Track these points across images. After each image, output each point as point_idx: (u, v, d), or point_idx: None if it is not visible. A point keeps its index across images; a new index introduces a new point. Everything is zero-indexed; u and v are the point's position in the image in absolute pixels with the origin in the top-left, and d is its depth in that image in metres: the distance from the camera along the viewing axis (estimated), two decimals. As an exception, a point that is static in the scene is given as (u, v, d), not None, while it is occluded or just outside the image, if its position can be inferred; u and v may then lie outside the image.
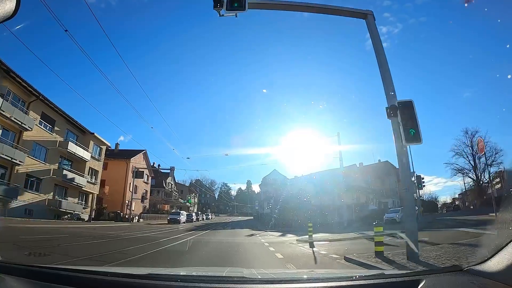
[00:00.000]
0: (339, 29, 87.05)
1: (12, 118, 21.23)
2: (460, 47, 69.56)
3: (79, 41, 28.00)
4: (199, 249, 9.55)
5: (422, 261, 5.75)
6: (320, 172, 44.38)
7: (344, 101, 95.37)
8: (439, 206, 55.79)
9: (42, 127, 25.27)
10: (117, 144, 46.36)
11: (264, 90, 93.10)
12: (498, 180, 41.32)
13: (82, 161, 29.70)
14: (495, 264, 1.50)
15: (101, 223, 26.35)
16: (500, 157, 40.90)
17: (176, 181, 73.14)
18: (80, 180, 28.69)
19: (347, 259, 7.08)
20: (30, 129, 23.17)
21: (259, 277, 2.22)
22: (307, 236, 13.36)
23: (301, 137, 66.24)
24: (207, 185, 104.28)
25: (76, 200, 29.40)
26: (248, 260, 7.25)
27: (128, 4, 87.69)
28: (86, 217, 29.31)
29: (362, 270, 5.15)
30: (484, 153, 22.39)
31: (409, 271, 2.05)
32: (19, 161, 22.12)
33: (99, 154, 33.94)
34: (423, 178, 22.46)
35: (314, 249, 9.66)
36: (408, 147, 7.48)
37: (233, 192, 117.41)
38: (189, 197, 70.30)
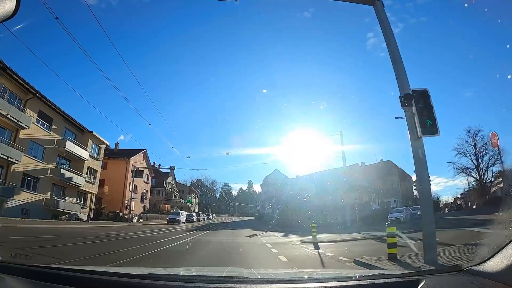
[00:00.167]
0: (339, 29, 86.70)
1: (8, 116, 20.75)
2: (460, 47, 69.28)
3: (79, 41, 27.51)
4: (198, 251, 9.03)
5: (441, 265, 5.22)
6: (322, 171, 43.93)
7: (345, 101, 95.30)
8: (440, 206, 55.25)
9: (39, 125, 24.78)
10: (116, 144, 45.97)
11: (264, 90, 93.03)
12: (500, 179, 40.90)
13: (81, 160, 29.19)
14: (495, 264, 1.50)
15: (99, 223, 25.82)
16: (503, 156, 40.24)
17: (177, 181, 72.76)
18: (78, 179, 28.18)
19: (357, 262, 6.52)
20: (26, 127, 22.69)
21: (259, 277, 2.20)
22: (311, 237, 12.88)
23: (302, 137, 65.60)
24: (208, 185, 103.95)
25: (74, 200, 28.90)
26: (249, 264, 6.72)
27: (129, 4, 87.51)
28: (84, 217, 28.81)
29: (363, 270, 5.13)
30: (498, 148, 21.70)
31: (409, 271, 1.99)
32: (16, 160, 21.65)
33: (98, 153, 33.42)
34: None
35: (319, 251, 9.11)
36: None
37: (234, 192, 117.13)
38: (190, 197, 69.82)
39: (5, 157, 20.65)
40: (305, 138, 66.97)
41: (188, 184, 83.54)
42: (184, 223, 33.83)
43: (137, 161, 41.80)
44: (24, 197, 23.08)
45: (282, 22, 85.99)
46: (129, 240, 11.98)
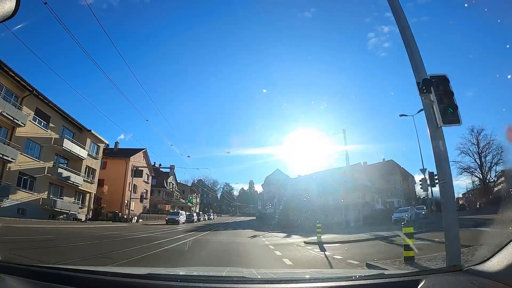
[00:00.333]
0: (340, 29, 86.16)
1: (4, 113, 20.23)
2: (460, 46, 68.58)
3: (80, 41, 27.09)
4: (197, 253, 8.47)
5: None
6: (324, 171, 43.45)
7: (346, 100, 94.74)
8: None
9: (36, 123, 24.26)
10: (116, 143, 45.46)
11: (264, 90, 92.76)
12: (503, 179, 40.45)
13: (79, 159, 28.67)
14: (495, 264, 1.49)
15: (97, 224, 25.28)
16: (504, 155, 39.98)
17: (178, 181, 72.22)
18: (76, 178, 27.64)
19: (370, 266, 5.87)
20: (23, 125, 22.18)
21: (259, 277, 2.18)
22: (315, 238, 12.26)
23: (303, 137, 64.93)
24: (210, 185, 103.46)
25: (72, 199, 28.36)
26: (251, 268, 6.09)
27: (129, 4, 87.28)
28: (83, 217, 28.28)
29: (363, 270, 5.07)
30: None
31: (408, 271, 1.96)
32: (11, 158, 21.12)
33: (97, 152, 32.88)
34: (435, 175, 20.98)
35: (326, 253, 8.49)
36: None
37: (236, 193, 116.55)
38: (190, 197, 69.24)
39: (1, 156, 20.14)
40: (307, 138, 66.19)
41: (189, 184, 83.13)
42: (183, 223, 33.16)
43: (137, 160, 41.26)
44: (20, 196, 22.56)
45: (283, 22, 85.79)
46: (123, 241, 11.39)
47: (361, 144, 57.84)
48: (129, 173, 37.53)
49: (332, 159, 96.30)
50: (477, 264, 1.63)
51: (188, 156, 56.11)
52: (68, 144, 26.53)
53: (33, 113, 23.77)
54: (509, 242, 1.47)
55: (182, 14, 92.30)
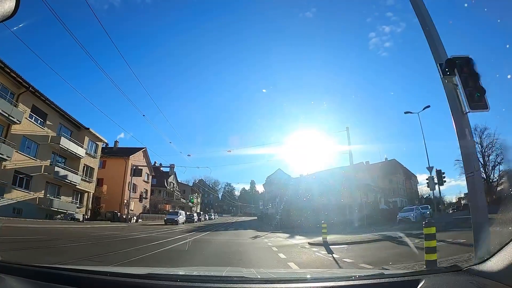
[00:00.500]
0: (341, 29, 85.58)
1: (-2, 110, 19.69)
2: (460, 46, 67.89)
3: (82, 42, 26.52)
4: (195, 255, 7.89)
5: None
6: (326, 170, 42.87)
7: (348, 100, 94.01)
8: (445, 205, 53.99)
9: (32, 120, 23.67)
10: (116, 142, 44.86)
11: (264, 90, 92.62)
12: (505, 178, 39.95)
13: (76, 157, 28.07)
14: (495, 264, 1.49)
15: (95, 224, 24.66)
16: (507, 154, 39.55)
17: (179, 181, 71.63)
18: (73, 177, 27.03)
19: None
20: (18, 122, 21.57)
21: (259, 276, 2.16)
22: (320, 238, 11.62)
23: (305, 136, 64.31)
24: (211, 185, 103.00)
25: (70, 199, 27.76)
26: (251, 268, 5.45)
27: (130, 4, 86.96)
28: (81, 217, 27.70)
29: (363, 270, 5.04)
30: None
31: (408, 271, 1.92)
32: (7, 156, 20.52)
33: (95, 151, 32.25)
34: (443, 173, 20.27)
35: (334, 255, 7.82)
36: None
37: (237, 193, 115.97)
38: (191, 197, 68.71)
39: (-5, 153, 19.59)
40: (308, 138, 65.44)
41: (190, 184, 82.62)
42: (183, 223, 32.38)
43: (136, 159, 40.67)
44: (16, 195, 21.99)
45: (284, 22, 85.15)
46: (115, 243, 10.75)
47: (362, 144, 57.44)
48: (129, 172, 36.92)
49: (334, 159, 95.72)
50: (477, 264, 1.63)
51: (188, 155, 55.02)
52: (65, 142, 25.95)
53: (29, 110, 23.19)
54: (509, 242, 1.46)
55: (183, 14, 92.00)
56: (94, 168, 31.78)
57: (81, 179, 28.67)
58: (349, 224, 23.50)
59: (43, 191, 24.68)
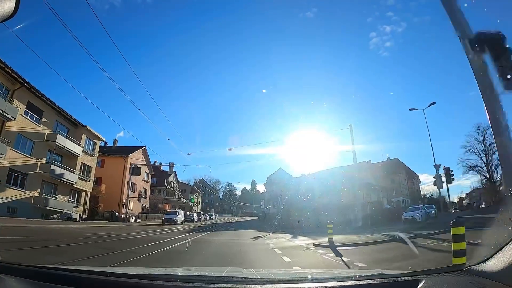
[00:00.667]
0: (342, 29, 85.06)
1: (-9, 106, 19.08)
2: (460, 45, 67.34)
3: (82, 41, 25.90)
4: (191, 258, 7.20)
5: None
6: (328, 169, 42.32)
7: (349, 99, 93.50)
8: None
9: (28, 117, 23.02)
10: (115, 141, 44.26)
11: (264, 90, 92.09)
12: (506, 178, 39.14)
13: (73, 156, 27.41)
14: (495, 264, 1.49)
15: (91, 223, 24.02)
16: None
17: (179, 181, 71.03)
18: (70, 176, 26.38)
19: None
20: (13, 119, 20.92)
21: (259, 277, 2.16)
22: (325, 239, 10.95)
23: (306, 136, 63.46)
24: (211, 185, 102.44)
25: (66, 198, 27.12)
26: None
27: (131, 4, 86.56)
28: (77, 217, 27.10)
29: (363, 270, 5.02)
30: None
31: (408, 271, 1.79)
32: (1, 154, 19.91)
33: (93, 149, 31.58)
34: (452, 171, 19.49)
35: (344, 258, 7.13)
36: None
37: (238, 192, 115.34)
38: (192, 197, 68.14)
39: (-12, 151, 18.98)
40: (309, 137, 64.81)
41: (191, 184, 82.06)
42: (182, 223, 31.58)
43: (136, 158, 40.03)
44: (10, 194, 21.37)
45: (284, 22, 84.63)
46: (107, 243, 10.09)
47: (363, 144, 56.64)
48: (128, 171, 36.30)
49: (334, 159, 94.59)
50: (477, 264, 1.61)
51: (188, 154, 54.52)
52: (62, 140, 25.31)
53: (25, 107, 22.55)
54: (509, 242, 1.46)
55: (183, 14, 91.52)
56: (91, 167, 31.12)
57: (78, 178, 28.02)
58: (352, 224, 22.87)
59: (38, 190, 24.06)
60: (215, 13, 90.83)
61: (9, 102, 20.81)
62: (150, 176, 49.12)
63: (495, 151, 42.01)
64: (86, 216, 29.25)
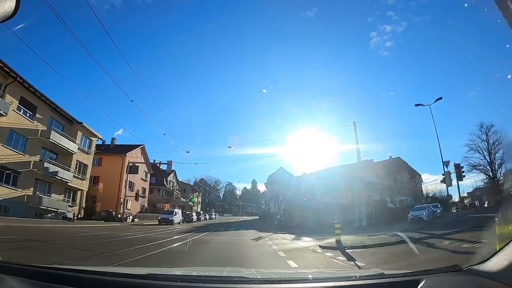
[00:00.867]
0: (342, 29, 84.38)
1: (-19, 101, 18.28)
2: (463, 45, 67.02)
3: (83, 42, 25.15)
4: (187, 261, 6.47)
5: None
6: (330, 168, 41.55)
7: (349, 99, 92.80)
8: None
9: (21, 113, 22.21)
10: (113, 139, 43.42)
11: (264, 90, 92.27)
12: (509, 177, 38.48)
13: (68, 153, 26.59)
14: (495, 264, 1.49)
15: (86, 223, 23.21)
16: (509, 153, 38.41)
17: (179, 180, 70.23)
18: (65, 174, 25.55)
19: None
20: (5, 114, 20.10)
21: (259, 277, 2.14)
22: (331, 240, 10.13)
23: (307, 135, 62.79)
24: (212, 185, 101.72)
25: (61, 197, 26.30)
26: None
27: (131, 4, 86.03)
28: (75, 216, 26.29)
29: (363, 270, 4.98)
30: None
31: (408, 271, 1.77)
32: (-9, 150, 19.18)
33: (89, 147, 30.74)
34: (462, 168, 18.66)
35: (357, 263, 6.27)
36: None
37: (238, 192, 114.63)
38: (191, 196, 67.30)
39: (-23, 147, 18.17)
40: (310, 136, 64.20)
41: (191, 184, 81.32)
42: (179, 223, 30.61)
43: (134, 157, 39.19)
44: (2, 192, 20.63)
45: (285, 22, 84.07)
46: (96, 245, 9.25)
47: (364, 143, 55.83)
48: (125, 170, 35.49)
49: (336, 158, 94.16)
50: (477, 264, 1.61)
51: (187, 152, 53.98)
52: (56, 137, 24.48)
53: (17, 102, 21.75)
54: (509, 242, 1.46)
55: (183, 14, 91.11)
56: (87, 165, 30.27)
57: (73, 176, 27.20)
58: (357, 223, 22.12)
59: (32, 188, 23.25)
60: (215, 13, 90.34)
61: (1, 97, 20.03)
62: (149, 175, 48.29)
63: (499, 149, 41.41)
64: (82, 216, 28.45)
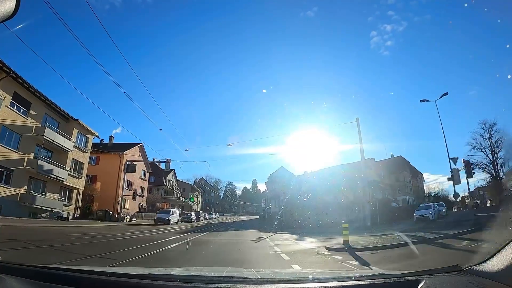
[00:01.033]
0: (342, 28, 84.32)
1: (-29, 95, 17.55)
2: (464, 44, 66.72)
3: (83, 41, 24.50)
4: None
5: None
6: (332, 167, 40.87)
7: (349, 99, 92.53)
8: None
9: (14, 109, 21.47)
10: (111, 137, 42.78)
11: (264, 90, 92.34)
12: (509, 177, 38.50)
13: (63, 151, 25.82)
14: (495, 264, 1.49)
15: (80, 223, 22.48)
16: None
17: (179, 179, 69.54)
18: (59, 172, 24.78)
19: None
20: (-4, 110, 19.46)
21: (259, 277, 2.14)
22: (337, 242, 9.41)
23: (307, 134, 62.03)
24: (212, 184, 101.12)
25: (56, 196, 25.56)
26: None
27: (131, 4, 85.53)
28: (70, 216, 25.56)
29: (363, 270, 4.98)
30: None
31: (408, 271, 1.76)
32: (-18, 147, 18.45)
33: (85, 145, 29.95)
34: (472, 164, 17.87)
35: (372, 267, 5.53)
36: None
37: (239, 192, 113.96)
38: (191, 196, 66.59)
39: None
40: (310, 136, 63.50)
41: (191, 183, 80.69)
42: (176, 223, 29.70)
43: (132, 155, 38.43)
44: (-7, 190, 19.90)
45: (285, 21, 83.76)
46: (84, 246, 8.52)
47: (365, 142, 55.16)
48: (123, 168, 34.73)
49: (336, 157, 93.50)
50: (477, 264, 1.61)
51: (186, 150, 53.42)
52: (51, 134, 23.74)
53: (10, 97, 21.01)
54: (509, 242, 1.46)
55: (183, 14, 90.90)
56: (84, 163, 29.49)
57: (69, 175, 26.44)
58: (360, 223, 21.42)
59: (25, 187, 22.51)
60: (215, 13, 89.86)
61: (-8, 92, 19.33)
62: (147, 174, 47.56)
63: (501, 148, 40.82)
64: (78, 215, 27.72)
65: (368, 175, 35.03)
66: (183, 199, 64.66)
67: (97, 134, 31.49)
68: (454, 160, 18.47)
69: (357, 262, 6.25)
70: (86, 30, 61.36)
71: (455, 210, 44.00)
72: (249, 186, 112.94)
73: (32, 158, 22.91)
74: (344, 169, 33.61)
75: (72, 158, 27.51)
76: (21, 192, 22.03)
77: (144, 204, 45.15)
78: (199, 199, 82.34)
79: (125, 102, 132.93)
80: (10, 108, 20.96)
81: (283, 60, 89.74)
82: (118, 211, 30.86)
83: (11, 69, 20.47)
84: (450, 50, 72.86)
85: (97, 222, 24.70)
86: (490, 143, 40.92)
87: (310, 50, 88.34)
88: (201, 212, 53.23)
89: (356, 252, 7.66)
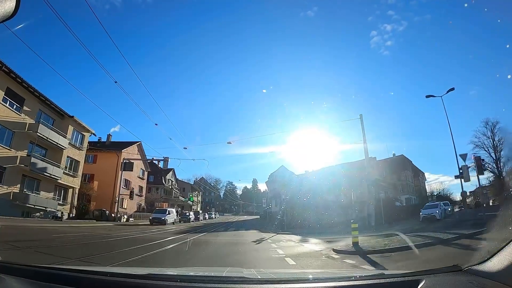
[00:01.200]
0: (343, 28, 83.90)
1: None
2: (464, 44, 66.26)
3: (83, 41, 23.83)
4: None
5: None
6: (334, 166, 40.09)
7: (349, 99, 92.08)
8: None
9: (7, 105, 20.73)
10: (109, 135, 42.01)
11: (264, 90, 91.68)
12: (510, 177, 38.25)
13: (58, 148, 25.07)
14: (495, 264, 1.48)
15: (75, 223, 21.74)
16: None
17: (178, 179, 68.85)
18: (54, 170, 24.02)
19: None
20: (-13, 105, 18.74)
21: (259, 277, 2.13)
22: (346, 243, 8.68)
23: (308, 134, 61.51)
24: (212, 184, 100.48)
25: (51, 195, 24.82)
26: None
27: (131, 4, 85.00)
28: (66, 215, 24.85)
29: (363, 270, 4.96)
30: None
31: (409, 271, 1.74)
32: (-28, 144, 17.72)
33: (81, 142, 29.19)
34: (483, 160, 17.08)
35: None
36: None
37: (239, 191, 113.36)
38: (191, 195, 65.90)
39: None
40: (311, 135, 62.91)
41: (191, 183, 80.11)
42: (173, 223, 28.96)
43: (130, 153, 37.69)
44: (-16, 189, 19.19)
45: (285, 21, 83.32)
46: (71, 248, 7.79)
47: (367, 142, 54.65)
48: (121, 167, 33.99)
49: (337, 157, 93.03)
50: (477, 264, 1.60)
51: (185, 148, 52.51)
52: (45, 131, 23.00)
53: (3, 93, 20.29)
54: (509, 242, 1.45)
55: (183, 14, 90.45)
56: (79, 161, 28.73)
57: (64, 173, 25.68)
58: (366, 223, 20.74)
59: (18, 185, 21.77)
60: (215, 13, 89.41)
61: (-17, 87, 18.62)
62: (146, 173, 46.81)
63: (504, 147, 40.27)
64: (74, 215, 26.99)
65: (372, 174, 34.37)
66: (183, 199, 63.99)
67: (94, 132, 30.77)
68: (463, 156, 17.63)
69: (371, 267, 5.53)
70: (86, 30, 61.01)
71: (457, 209, 43.55)
72: (249, 185, 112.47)
73: (25, 155, 22.17)
74: (345, 168, 32.97)
75: (67, 156, 26.75)
76: (14, 190, 21.29)
77: (143, 204, 44.42)
78: (199, 198, 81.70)
79: (125, 102, 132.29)
80: (2, 104, 20.25)
81: (283, 60, 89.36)
82: (115, 210, 30.12)
83: (3, 63, 19.78)
84: (450, 50, 72.60)
85: (92, 222, 23.96)
86: (493, 142, 40.73)
87: (310, 50, 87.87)
88: (200, 211, 52.59)
89: (368, 255, 6.94)
